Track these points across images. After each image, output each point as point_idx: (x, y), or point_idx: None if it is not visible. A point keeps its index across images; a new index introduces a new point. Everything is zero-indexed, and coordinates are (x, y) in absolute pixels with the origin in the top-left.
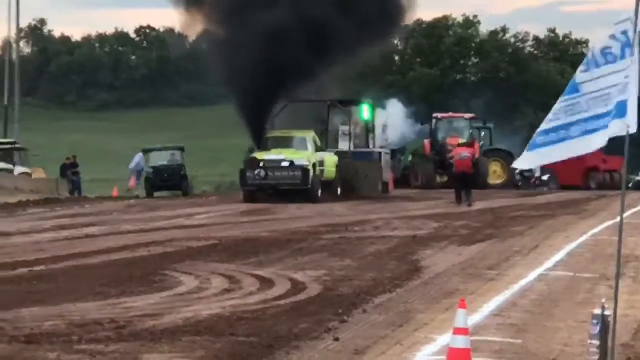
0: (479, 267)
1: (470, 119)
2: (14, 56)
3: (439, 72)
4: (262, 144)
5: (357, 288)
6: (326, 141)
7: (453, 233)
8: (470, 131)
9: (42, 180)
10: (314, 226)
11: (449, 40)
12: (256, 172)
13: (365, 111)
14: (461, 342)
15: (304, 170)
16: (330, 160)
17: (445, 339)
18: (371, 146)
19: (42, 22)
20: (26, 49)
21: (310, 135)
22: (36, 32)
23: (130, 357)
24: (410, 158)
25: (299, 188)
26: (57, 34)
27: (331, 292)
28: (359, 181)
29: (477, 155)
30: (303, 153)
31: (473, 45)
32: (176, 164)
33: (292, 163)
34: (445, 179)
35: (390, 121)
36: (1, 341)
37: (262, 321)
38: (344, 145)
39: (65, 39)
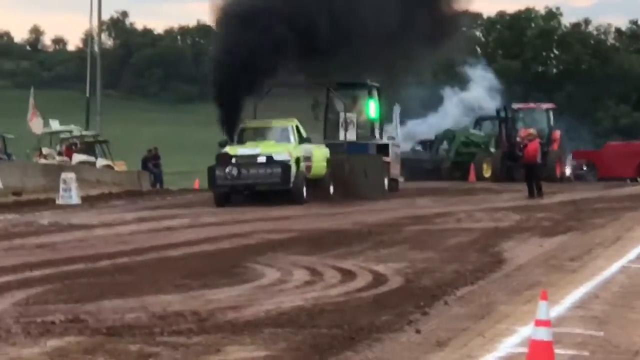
0: (561, 259)
1: (547, 110)
2: (96, 48)
3: (521, 64)
4: (237, 136)
5: (439, 280)
6: (324, 131)
7: (535, 225)
8: (550, 123)
9: (123, 173)
10: (396, 218)
11: (531, 32)
12: (227, 169)
13: (371, 107)
14: (543, 334)
15: (284, 166)
16: (319, 153)
17: (526, 331)
18: (377, 136)
19: (124, 14)
20: (108, 41)
21: (292, 124)
22: (118, 25)
23: (212, 349)
24: (458, 146)
25: (279, 188)
26: (139, 26)
27: (412, 284)
28: (355, 179)
29: (554, 147)
30: (283, 146)
31: (555, 37)
32: None
33: (269, 158)
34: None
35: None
36: (83, 333)
37: (344, 313)
38: (346, 136)
39: (147, 31)
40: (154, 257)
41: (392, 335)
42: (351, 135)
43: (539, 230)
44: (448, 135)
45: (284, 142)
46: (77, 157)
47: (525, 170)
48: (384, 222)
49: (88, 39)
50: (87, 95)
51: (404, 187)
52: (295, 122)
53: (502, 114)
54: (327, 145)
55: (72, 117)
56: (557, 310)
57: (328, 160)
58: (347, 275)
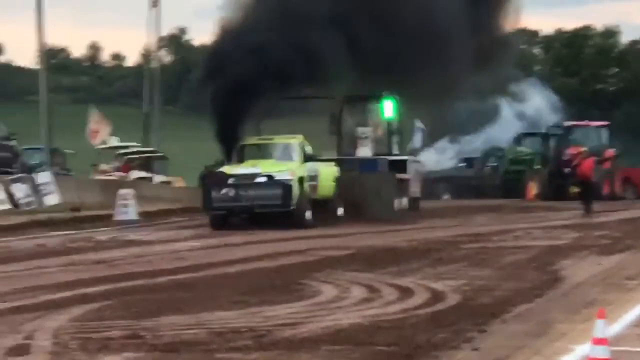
0: (619, 277)
1: (600, 127)
2: (155, 64)
3: (579, 82)
4: (235, 154)
5: (497, 298)
6: (339, 147)
7: (593, 243)
8: (603, 141)
9: (181, 189)
10: (454, 235)
11: (589, 50)
12: (223, 190)
13: (387, 108)
14: (600, 352)
15: (285, 186)
16: (327, 172)
17: (584, 349)
18: (394, 151)
19: (182, 30)
20: (166, 57)
21: (296, 141)
22: (176, 41)
23: None
24: (507, 164)
25: (279, 210)
26: (197, 42)
27: (470, 301)
28: (366, 199)
29: (606, 166)
30: (285, 164)
31: (613, 55)
32: None
33: (269, 178)
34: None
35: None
36: (141, 349)
37: (401, 330)
38: (362, 151)
39: (205, 48)
40: (212, 273)
41: (450, 353)
42: (366, 151)
43: (597, 248)
44: (495, 152)
45: (286, 161)
46: (135, 173)
47: (581, 187)
48: (442, 240)
49: (146, 55)
50: (146, 111)
51: (447, 205)
52: (300, 138)
53: (552, 132)
54: (336, 163)
55: (130, 133)
56: (615, 328)
57: (337, 180)
58: (405, 292)
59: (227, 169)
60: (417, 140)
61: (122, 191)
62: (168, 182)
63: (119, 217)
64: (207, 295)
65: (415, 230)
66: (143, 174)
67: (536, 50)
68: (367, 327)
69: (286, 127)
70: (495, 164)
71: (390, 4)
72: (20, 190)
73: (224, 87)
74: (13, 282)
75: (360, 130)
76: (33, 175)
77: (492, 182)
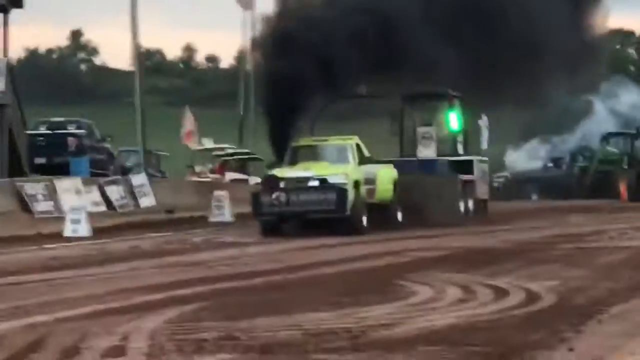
0: None
1: None
2: (249, 66)
3: None
4: (287, 156)
5: (592, 298)
6: (401, 147)
7: None
8: None
9: None
10: (548, 236)
11: None
12: (275, 195)
13: (452, 120)
14: None
15: (340, 190)
16: (385, 175)
17: None
18: (460, 152)
19: None
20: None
21: (351, 143)
22: None
23: None
24: (597, 164)
25: (334, 216)
26: None
27: (566, 302)
28: (428, 203)
29: None
30: (340, 167)
31: None
32: None
33: (323, 181)
34: None
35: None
36: (236, 350)
37: (497, 331)
38: (424, 153)
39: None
40: (307, 274)
41: (545, 353)
42: (430, 152)
43: None
44: (583, 152)
45: (341, 163)
46: (231, 175)
47: None
48: (536, 240)
49: (241, 57)
50: (241, 113)
51: (538, 206)
52: (355, 139)
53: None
54: (395, 165)
55: (225, 135)
56: None
57: (395, 183)
58: (500, 293)
59: (278, 172)
60: (483, 138)
61: (217, 193)
62: None
63: (213, 218)
64: (302, 296)
65: (509, 232)
66: (238, 175)
67: (631, 51)
68: (463, 328)
69: (344, 128)
70: (584, 164)
71: (494, 7)
72: (115, 193)
73: (276, 84)
74: (108, 284)
75: (422, 129)
76: (128, 177)
77: (581, 182)
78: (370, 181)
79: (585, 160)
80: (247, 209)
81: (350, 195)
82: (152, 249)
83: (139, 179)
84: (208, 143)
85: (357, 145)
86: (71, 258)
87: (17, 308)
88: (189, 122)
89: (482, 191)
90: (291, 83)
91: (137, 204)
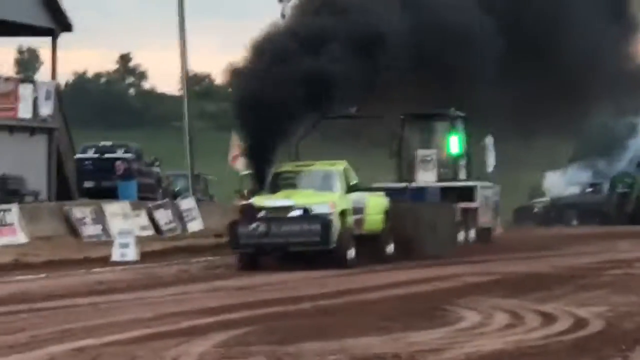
0: None
1: None
2: None
3: None
4: (268, 183)
5: None
6: (399, 172)
7: None
8: None
9: None
10: (597, 262)
11: None
12: (253, 226)
13: (453, 144)
14: None
15: (325, 221)
16: (375, 204)
17: None
18: (461, 176)
19: None
20: None
21: (339, 169)
22: None
23: None
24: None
25: (318, 248)
26: None
27: (614, 328)
28: (421, 234)
29: None
30: (325, 195)
31: None
32: None
33: (306, 211)
34: None
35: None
36: None
37: (544, 356)
38: (425, 177)
39: None
40: (354, 299)
41: None
42: (430, 176)
43: None
44: (623, 177)
45: (326, 191)
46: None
47: None
48: (585, 266)
49: None
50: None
51: (582, 232)
52: (343, 165)
53: None
54: (386, 192)
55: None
56: None
57: (386, 212)
58: (548, 318)
59: (257, 200)
60: (489, 161)
61: None
62: None
63: None
64: (349, 320)
65: (556, 257)
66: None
67: None
68: (510, 353)
69: (338, 151)
70: (624, 190)
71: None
72: (163, 217)
73: (254, 99)
74: (156, 308)
75: (422, 152)
76: (176, 201)
77: (622, 208)
78: (359, 210)
79: (625, 186)
80: None
81: (336, 225)
82: (200, 273)
83: (187, 203)
84: None
85: (345, 171)
86: (119, 282)
87: (65, 332)
88: (236, 145)
89: (486, 219)
90: (272, 103)
91: (184, 228)
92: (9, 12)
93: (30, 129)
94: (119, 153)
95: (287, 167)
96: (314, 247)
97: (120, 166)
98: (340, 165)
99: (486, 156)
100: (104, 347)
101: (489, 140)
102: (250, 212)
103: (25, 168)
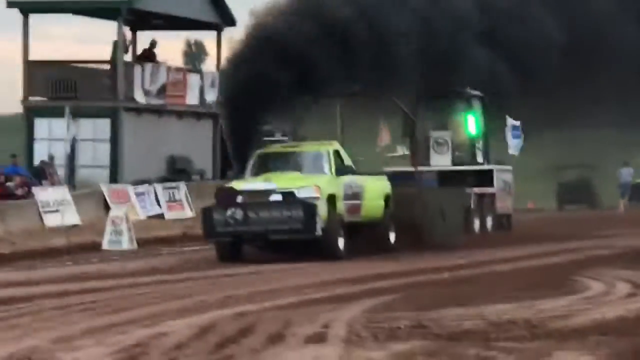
0: None
1: None
2: None
3: None
4: (250, 166)
5: None
6: (412, 155)
7: None
8: None
9: None
10: None
11: None
12: (230, 211)
13: (470, 123)
14: None
15: (307, 206)
16: (374, 188)
17: None
18: (479, 160)
19: None
20: None
21: (328, 150)
22: None
23: (542, 353)
24: None
25: (301, 237)
26: None
27: None
28: (428, 222)
29: None
30: (310, 178)
31: None
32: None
33: (288, 195)
34: None
35: None
36: (426, 338)
37: None
38: (439, 160)
39: None
40: (489, 270)
41: None
42: (445, 160)
43: None
44: None
45: (315, 174)
46: None
47: None
48: None
49: None
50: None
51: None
52: (333, 146)
53: None
54: (388, 177)
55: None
56: None
57: (388, 197)
58: None
59: (235, 184)
60: (512, 144)
61: None
62: None
63: None
64: (485, 289)
65: None
66: None
67: None
68: (632, 320)
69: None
70: None
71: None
72: None
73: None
74: (311, 276)
75: (436, 134)
76: None
77: None
78: (356, 195)
79: None
80: None
81: (322, 212)
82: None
83: None
84: (401, 150)
85: (336, 152)
86: None
87: (229, 297)
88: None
89: (505, 205)
90: (259, 78)
91: None
92: (181, 8)
93: (196, 114)
94: (277, 137)
95: (273, 148)
96: (297, 235)
97: None
98: (329, 146)
99: (507, 138)
100: (262, 312)
101: (511, 122)
102: (227, 197)
103: (192, 150)
